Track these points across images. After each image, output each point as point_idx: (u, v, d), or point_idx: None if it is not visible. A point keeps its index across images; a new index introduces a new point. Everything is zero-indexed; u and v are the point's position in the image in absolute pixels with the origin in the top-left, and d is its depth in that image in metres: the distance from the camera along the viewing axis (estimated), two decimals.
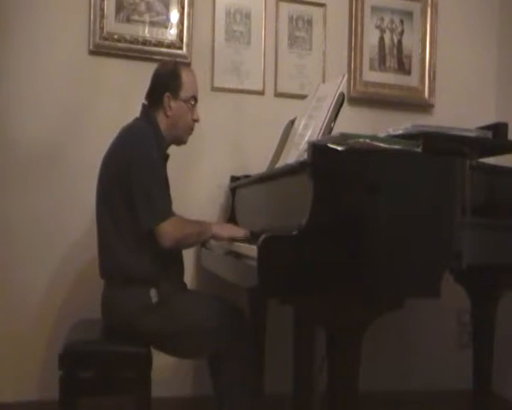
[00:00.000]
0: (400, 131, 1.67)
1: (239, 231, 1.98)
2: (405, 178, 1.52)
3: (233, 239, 1.94)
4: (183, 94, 2.08)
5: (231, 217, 2.59)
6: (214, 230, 1.98)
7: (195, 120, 2.15)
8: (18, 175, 2.53)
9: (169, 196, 2.07)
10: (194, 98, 2.12)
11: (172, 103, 2.07)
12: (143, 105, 2.11)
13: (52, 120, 2.57)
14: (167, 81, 2.08)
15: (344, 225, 1.45)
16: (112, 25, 2.63)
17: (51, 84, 2.57)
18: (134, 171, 1.91)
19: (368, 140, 1.52)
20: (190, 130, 2.16)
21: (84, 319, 2.19)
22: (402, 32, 3.01)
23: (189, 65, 2.64)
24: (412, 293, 1.53)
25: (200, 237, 2.05)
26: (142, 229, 1.90)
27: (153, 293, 1.92)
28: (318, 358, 2.17)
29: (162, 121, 2.08)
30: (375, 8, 2.96)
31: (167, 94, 2.06)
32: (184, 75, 2.10)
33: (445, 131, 1.71)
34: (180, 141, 2.16)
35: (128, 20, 2.66)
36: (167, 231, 1.87)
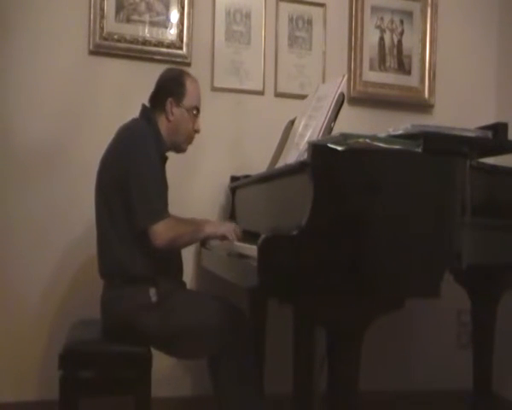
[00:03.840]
0: (400, 131, 1.67)
1: (230, 232, 1.94)
2: (405, 178, 1.52)
3: (226, 238, 1.94)
4: (187, 102, 2.09)
5: (231, 217, 2.59)
6: (208, 230, 1.97)
7: (196, 131, 2.15)
8: (17, 174, 2.53)
9: (166, 196, 2.07)
10: (197, 108, 2.13)
11: (175, 109, 2.08)
12: (144, 106, 2.12)
13: (52, 119, 2.57)
14: (172, 86, 2.09)
15: (344, 225, 1.45)
16: (112, 25, 2.63)
17: (51, 84, 2.57)
18: (133, 170, 1.91)
19: (368, 140, 1.52)
20: (190, 139, 2.16)
21: (84, 319, 2.19)
22: (402, 32, 3.01)
23: (188, 65, 2.65)
24: (412, 293, 1.53)
25: (194, 238, 2.05)
26: (137, 228, 1.90)
27: (152, 292, 1.92)
28: (318, 358, 2.17)
29: (163, 125, 2.09)
30: (375, 8, 2.96)
31: (170, 99, 2.07)
32: (189, 83, 2.10)
33: (445, 131, 1.71)
34: (179, 148, 2.17)
35: (128, 20, 2.66)
36: (160, 231, 1.88)
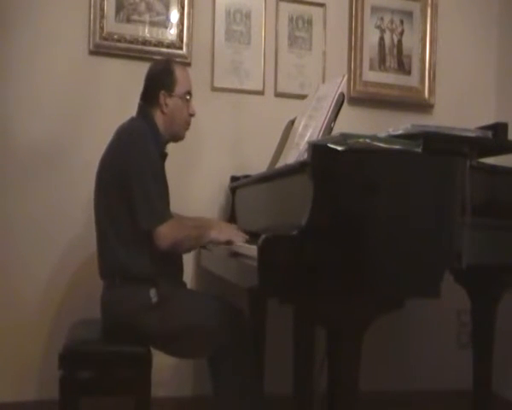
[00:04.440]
0: (400, 131, 1.67)
1: (237, 237, 1.92)
2: (405, 178, 1.52)
3: (231, 243, 1.93)
4: (178, 90, 2.10)
5: (231, 217, 2.59)
6: (212, 235, 1.94)
7: (191, 115, 2.16)
8: (17, 174, 2.53)
9: (167, 195, 2.07)
10: (189, 93, 2.14)
11: (168, 100, 2.08)
12: (139, 105, 2.12)
13: (52, 119, 2.57)
14: (161, 79, 2.10)
15: (344, 225, 1.45)
16: (112, 25, 2.63)
17: (51, 84, 2.57)
18: (133, 170, 1.91)
19: (368, 140, 1.52)
20: (187, 125, 2.17)
21: (84, 319, 2.19)
22: (402, 32, 3.01)
23: (188, 65, 2.65)
24: (412, 293, 1.53)
25: (198, 242, 2.04)
26: (140, 230, 1.90)
27: (152, 293, 1.92)
28: (318, 358, 2.17)
29: (159, 119, 2.09)
30: (375, 8, 2.96)
31: (163, 91, 2.08)
32: (177, 71, 2.11)
33: (445, 131, 1.71)
34: (178, 137, 2.17)
35: (128, 20, 2.66)
36: (165, 233, 1.88)
